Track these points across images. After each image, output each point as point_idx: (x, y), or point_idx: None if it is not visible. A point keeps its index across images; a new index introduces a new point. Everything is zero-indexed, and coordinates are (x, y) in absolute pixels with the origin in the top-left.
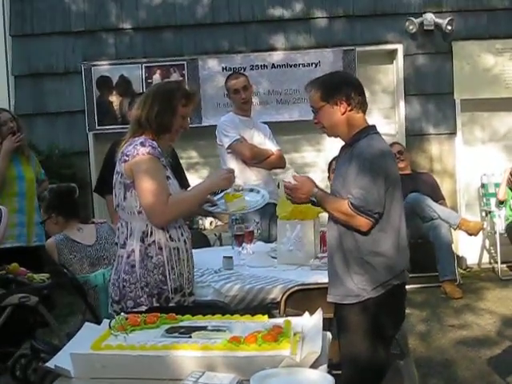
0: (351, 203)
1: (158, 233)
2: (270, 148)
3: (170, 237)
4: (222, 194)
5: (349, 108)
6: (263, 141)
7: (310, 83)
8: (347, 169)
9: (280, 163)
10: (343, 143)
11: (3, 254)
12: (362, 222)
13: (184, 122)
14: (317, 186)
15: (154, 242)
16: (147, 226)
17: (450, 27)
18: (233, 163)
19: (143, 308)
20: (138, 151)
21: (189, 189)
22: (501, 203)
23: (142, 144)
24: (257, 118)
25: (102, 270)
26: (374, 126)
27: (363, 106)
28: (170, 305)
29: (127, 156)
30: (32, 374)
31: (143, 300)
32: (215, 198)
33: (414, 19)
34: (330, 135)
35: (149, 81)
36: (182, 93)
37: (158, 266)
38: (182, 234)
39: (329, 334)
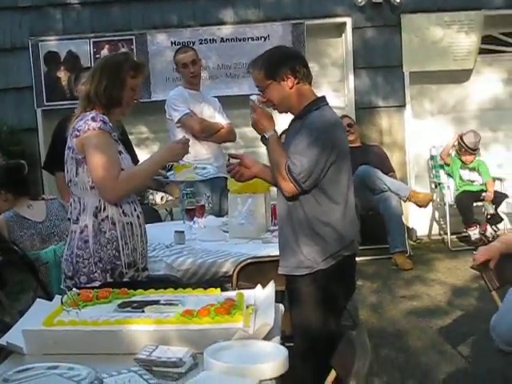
0: (287, 165)
1: (111, 208)
2: (220, 122)
3: (123, 212)
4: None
5: (296, 81)
6: (213, 114)
7: (251, 64)
8: (296, 139)
9: (230, 137)
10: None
11: None
12: (289, 187)
13: (134, 94)
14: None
15: (107, 217)
16: (100, 201)
17: (398, 0)
18: (182, 136)
19: (97, 283)
20: (88, 126)
21: (140, 163)
22: (447, 165)
23: (93, 119)
24: (206, 93)
25: (52, 247)
26: (323, 98)
27: (309, 78)
28: (124, 280)
29: (78, 131)
30: None
31: (97, 275)
32: (167, 173)
33: None
34: (280, 111)
35: (97, 56)
36: (130, 64)
37: (112, 241)
38: (135, 209)
39: (281, 306)
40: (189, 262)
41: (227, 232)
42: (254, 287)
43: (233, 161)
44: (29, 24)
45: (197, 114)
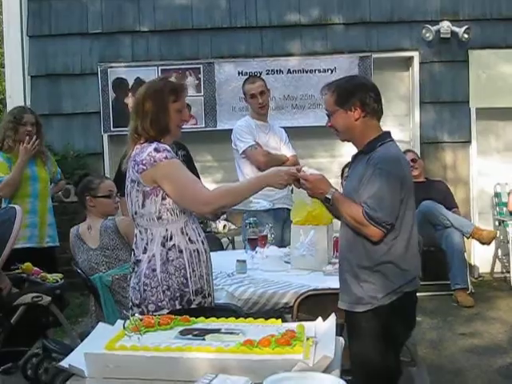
0: (365, 212)
1: (178, 236)
2: (286, 153)
3: (189, 239)
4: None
5: (363, 114)
6: (279, 145)
7: (325, 86)
8: (362, 176)
9: None
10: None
11: (15, 255)
12: (374, 232)
13: (182, 116)
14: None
15: (174, 245)
16: (167, 230)
17: (466, 35)
18: (247, 168)
19: (165, 311)
20: (154, 158)
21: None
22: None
23: (157, 150)
24: (273, 123)
25: (98, 275)
26: (388, 133)
27: (378, 114)
28: (192, 307)
29: (143, 165)
30: (43, 373)
31: (165, 303)
32: None
33: (430, 27)
34: (342, 139)
35: None
36: (169, 89)
37: (179, 268)
38: (200, 235)
39: (341, 340)
40: (250, 292)
41: (289, 263)
42: (314, 319)
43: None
44: (98, 50)
45: (262, 144)
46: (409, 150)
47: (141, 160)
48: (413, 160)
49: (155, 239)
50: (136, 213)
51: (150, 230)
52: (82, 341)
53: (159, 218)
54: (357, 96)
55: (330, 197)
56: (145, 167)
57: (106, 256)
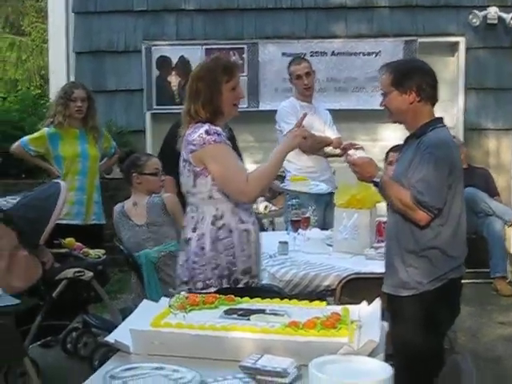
0: (413, 196)
1: (229, 216)
2: (330, 135)
3: (239, 219)
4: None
5: (417, 99)
6: (323, 128)
7: (385, 65)
8: (411, 160)
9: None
10: (402, 134)
11: (60, 231)
12: (421, 216)
13: (236, 94)
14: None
15: (224, 224)
16: (217, 209)
17: None
18: None
19: (212, 289)
20: (204, 140)
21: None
22: None
23: (207, 132)
24: (318, 105)
25: (145, 251)
26: (441, 119)
27: (433, 100)
28: (239, 286)
29: (194, 145)
30: (82, 347)
31: (213, 281)
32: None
33: (477, 12)
34: (393, 121)
35: None
36: (222, 69)
37: (229, 247)
38: (251, 216)
39: (385, 325)
40: (292, 274)
41: (331, 246)
42: (355, 303)
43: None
44: (143, 28)
45: (307, 126)
46: (453, 137)
47: (192, 140)
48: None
49: (206, 218)
50: (188, 191)
51: (201, 208)
52: (122, 317)
53: (210, 197)
54: (414, 80)
55: (378, 180)
56: (194, 148)
57: (153, 232)
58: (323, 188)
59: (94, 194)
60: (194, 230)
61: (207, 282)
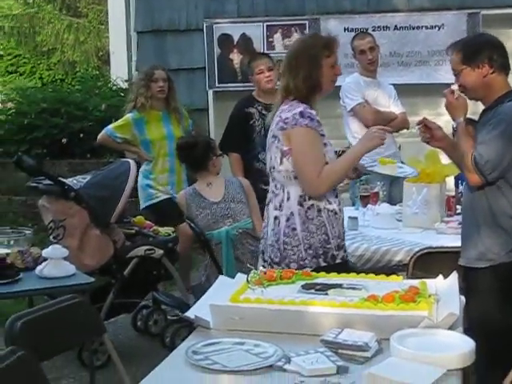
0: (474, 157)
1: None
2: (395, 110)
3: (327, 200)
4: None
5: (491, 71)
6: (387, 102)
7: (451, 45)
8: (485, 130)
9: (404, 126)
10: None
11: (159, 208)
12: (474, 178)
13: (335, 70)
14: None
15: (312, 205)
16: (303, 190)
17: None
18: (355, 125)
19: (308, 269)
20: (296, 121)
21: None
22: None
23: (301, 114)
24: (383, 80)
25: (225, 228)
26: None
27: (506, 69)
28: (337, 261)
29: (285, 123)
30: (153, 325)
31: (307, 262)
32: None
33: None
34: (470, 98)
35: (270, 40)
36: (322, 44)
37: (320, 226)
38: (337, 196)
39: (463, 298)
40: (363, 248)
41: (400, 221)
42: (427, 277)
43: None
44: (204, 6)
45: (371, 101)
46: None
47: (285, 118)
48: None
49: (292, 197)
50: (274, 167)
51: (287, 187)
52: (194, 294)
53: (296, 177)
54: (484, 53)
55: (455, 125)
56: (286, 126)
57: (231, 209)
58: (407, 171)
59: (182, 174)
60: (281, 208)
61: (301, 262)
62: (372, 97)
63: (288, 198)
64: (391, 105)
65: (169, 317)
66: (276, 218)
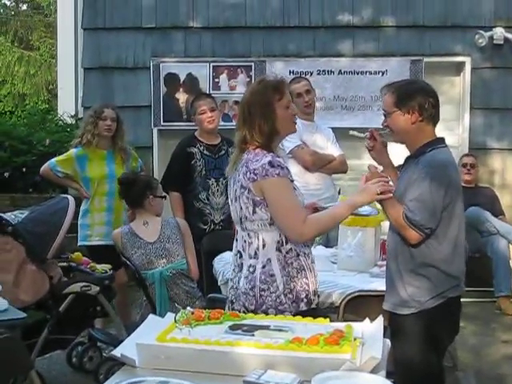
0: (405, 215)
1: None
2: (333, 153)
3: (303, 244)
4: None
5: (420, 118)
6: (325, 145)
7: (386, 86)
8: (409, 180)
9: (342, 168)
10: (405, 153)
11: (91, 252)
12: (412, 235)
13: (291, 110)
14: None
15: (290, 249)
16: (281, 235)
17: None
18: (294, 167)
19: (287, 314)
20: (267, 172)
21: (334, 206)
22: None
23: (271, 164)
24: (320, 123)
25: (159, 269)
26: (442, 139)
27: (435, 119)
28: (312, 307)
29: (255, 175)
30: (88, 361)
31: (287, 306)
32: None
33: (483, 32)
34: (395, 141)
35: (216, 80)
36: (272, 89)
37: (300, 270)
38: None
39: (388, 342)
40: None
41: (335, 263)
42: (359, 320)
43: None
44: (151, 45)
45: (309, 144)
46: (469, 155)
47: (253, 169)
48: (471, 165)
49: (268, 244)
50: (246, 218)
51: (261, 234)
52: (127, 332)
53: (271, 224)
54: (416, 100)
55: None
56: (256, 177)
57: (166, 249)
58: (367, 210)
59: (121, 214)
60: (256, 256)
61: (280, 307)
62: (310, 139)
63: (264, 246)
64: (329, 147)
65: (104, 354)
66: (250, 265)
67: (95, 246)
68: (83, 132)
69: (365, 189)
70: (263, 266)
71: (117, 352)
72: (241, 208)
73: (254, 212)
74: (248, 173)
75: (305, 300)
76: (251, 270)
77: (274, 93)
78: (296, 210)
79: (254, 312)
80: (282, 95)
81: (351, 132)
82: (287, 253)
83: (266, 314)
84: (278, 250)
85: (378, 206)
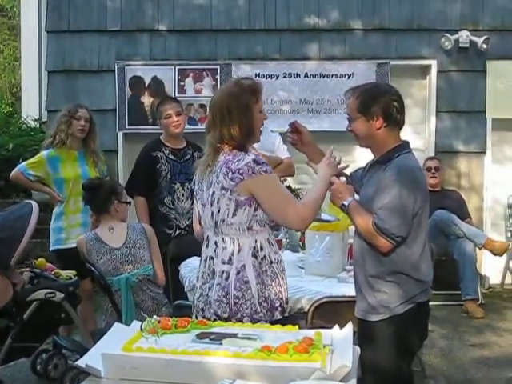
0: (375, 223)
1: (267, 247)
2: (280, 155)
3: (274, 250)
4: None
5: (384, 124)
6: (273, 148)
7: (350, 89)
8: (377, 186)
9: (289, 171)
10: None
11: (66, 254)
12: (383, 243)
13: (263, 116)
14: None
15: (265, 256)
16: (256, 241)
17: (485, 46)
18: None
19: (262, 323)
20: (253, 170)
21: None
22: None
23: (256, 162)
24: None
25: (125, 275)
26: (407, 144)
27: (400, 124)
28: (286, 315)
29: (241, 174)
30: (52, 369)
31: (262, 315)
32: None
33: (449, 36)
34: (361, 145)
35: (181, 83)
36: (250, 92)
37: (274, 278)
38: (277, 247)
39: (358, 348)
40: None
41: (303, 268)
42: (327, 326)
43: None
44: (116, 47)
45: (257, 147)
46: (434, 158)
47: (237, 169)
48: (435, 168)
49: (244, 250)
50: (223, 221)
51: (238, 239)
52: (93, 339)
53: (249, 228)
54: (380, 106)
55: (346, 204)
56: (242, 177)
57: (132, 254)
58: (329, 217)
59: None
60: (230, 262)
61: (255, 316)
62: (257, 144)
63: (239, 251)
64: (276, 150)
65: (69, 361)
66: (224, 272)
67: (71, 250)
68: (56, 131)
69: (328, 164)
70: (237, 273)
71: (82, 362)
72: (218, 211)
73: (235, 215)
74: (230, 173)
75: (279, 309)
76: (224, 276)
77: (251, 95)
78: (291, 200)
79: (228, 320)
80: (258, 99)
81: (274, 129)
82: (262, 259)
83: (241, 322)
84: (254, 256)
85: (342, 214)
